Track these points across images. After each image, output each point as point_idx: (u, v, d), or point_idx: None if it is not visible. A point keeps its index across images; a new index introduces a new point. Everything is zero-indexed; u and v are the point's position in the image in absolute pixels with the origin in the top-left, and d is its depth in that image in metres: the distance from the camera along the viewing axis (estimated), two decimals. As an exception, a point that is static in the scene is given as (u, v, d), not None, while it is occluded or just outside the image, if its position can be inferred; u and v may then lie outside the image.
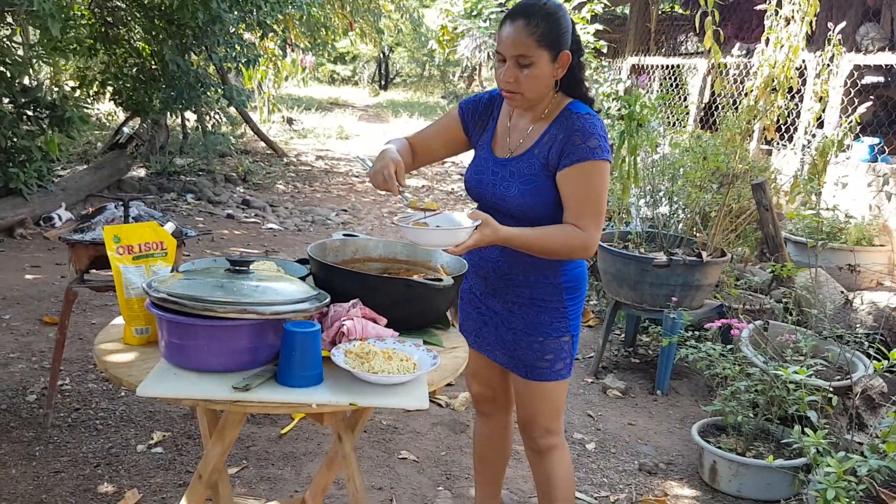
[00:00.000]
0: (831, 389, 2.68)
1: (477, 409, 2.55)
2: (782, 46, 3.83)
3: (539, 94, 2.02)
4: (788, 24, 3.94)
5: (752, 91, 4.11)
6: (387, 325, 1.99)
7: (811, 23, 3.81)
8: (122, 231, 1.88)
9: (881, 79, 6.16)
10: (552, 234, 1.97)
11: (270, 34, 9.33)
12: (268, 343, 1.74)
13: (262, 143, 12.09)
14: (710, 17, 4.02)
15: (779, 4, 4.06)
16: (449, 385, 4.03)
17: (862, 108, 4.51)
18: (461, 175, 10.80)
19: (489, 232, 1.88)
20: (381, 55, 27.97)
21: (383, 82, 29.41)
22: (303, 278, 2.19)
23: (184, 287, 1.73)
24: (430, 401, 3.81)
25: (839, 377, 3.27)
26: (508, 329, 2.19)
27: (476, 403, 2.53)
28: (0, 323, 4.37)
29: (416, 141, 2.30)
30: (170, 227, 2.36)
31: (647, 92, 8.45)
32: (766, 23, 4.03)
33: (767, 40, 4.12)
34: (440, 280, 2.00)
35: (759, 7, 4.18)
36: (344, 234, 2.42)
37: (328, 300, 1.87)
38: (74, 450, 3.06)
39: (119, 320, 1.97)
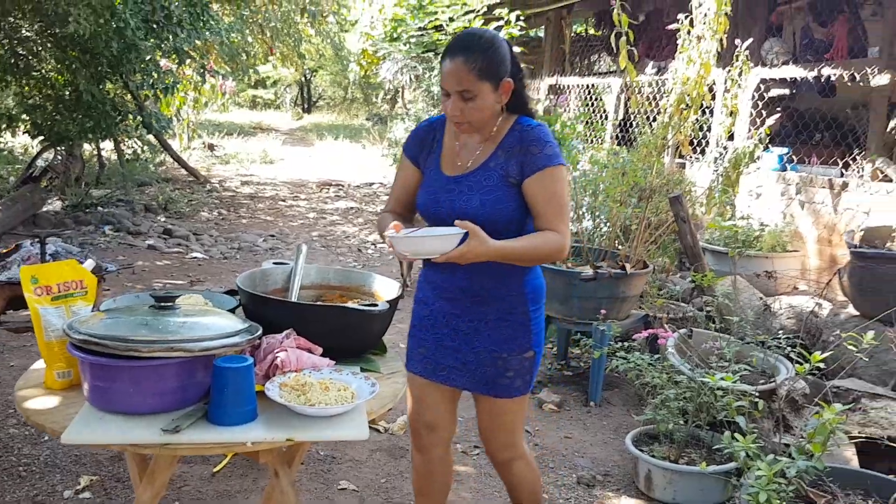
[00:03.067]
0: (756, 394, 2.78)
1: (413, 442, 2.49)
2: (694, 64, 3.98)
3: (485, 120, 2.09)
4: (700, 41, 4.11)
5: (666, 108, 4.26)
6: (324, 354, 1.98)
7: (720, 40, 3.98)
8: (39, 271, 1.81)
9: (786, 91, 6.47)
10: (536, 241, 2.02)
11: (188, 60, 9.16)
12: (197, 381, 1.70)
13: (184, 171, 11.84)
14: (624, 38, 4.15)
15: (691, 23, 4.22)
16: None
17: (771, 120, 4.73)
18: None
19: (477, 244, 1.88)
20: (303, 79, 27.81)
21: (306, 105, 29.23)
22: (232, 310, 2.15)
23: (106, 327, 1.67)
24: (369, 427, 3.78)
25: (763, 381, 3.39)
26: (471, 349, 2.20)
27: (414, 435, 2.48)
28: None
29: (394, 206, 2.32)
30: (89, 264, 2.27)
31: (566, 111, 8.66)
32: (679, 41, 4.19)
33: (680, 58, 4.28)
34: (375, 305, 2.00)
35: (670, 27, 4.34)
36: (274, 263, 2.39)
37: (259, 332, 1.84)
38: (-6, 501, 2.91)
39: (40, 363, 1.89)
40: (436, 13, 11.09)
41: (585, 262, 4.40)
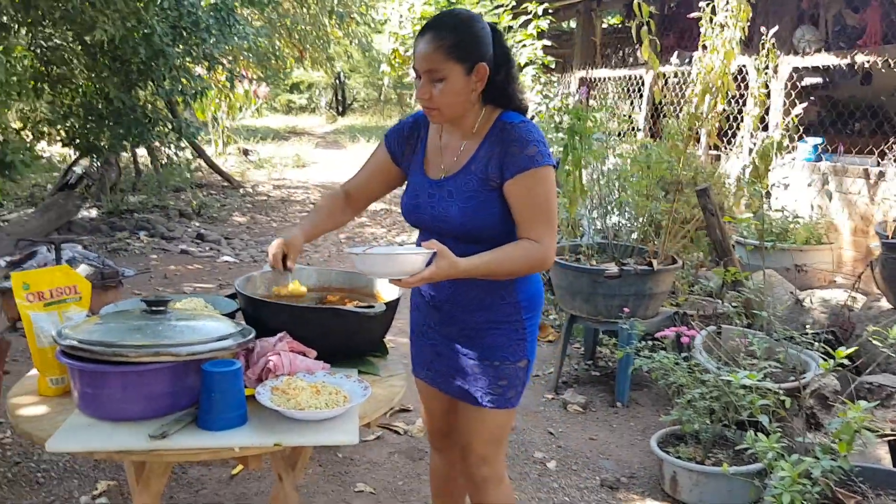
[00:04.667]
0: (781, 392, 2.66)
1: (431, 443, 2.46)
2: (717, 52, 3.86)
3: (457, 108, 1.93)
4: (723, 30, 3.98)
5: (692, 98, 4.14)
6: (321, 356, 1.93)
7: (744, 28, 3.85)
8: (30, 277, 1.79)
9: (820, 80, 6.27)
10: (510, 254, 1.88)
11: (217, 66, 9.23)
12: (187, 386, 1.67)
13: (218, 176, 11.96)
14: (645, 28, 4.04)
15: (713, 12, 4.10)
16: (406, 411, 3.95)
17: (798, 109, 4.57)
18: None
19: (446, 265, 1.77)
20: (337, 82, 27.96)
21: (340, 108, 29.39)
22: (233, 313, 2.12)
23: (97, 332, 1.65)
24: (387, 428, 3.74)
25: (793, 378, 3.26)
26: (463, 357, 2.09)
27: (430, 437, 2.44)
28: (-62, 377, 4.20)
29: (352, 187, 2.22)
30: (83, 269, 2.28)
31: (601, 103, 8.52)
32: (702, 30, 4.07)
33: (704, 47, 4.15)
34: (371, 307, 1.94)
35: (691, 16, 4.22)
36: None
37: (252, 336, 1.80)
38: (13, 506, 2.93)
39: (35, 370, 1.88)
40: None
41: (611, 260, 4.30)
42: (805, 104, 4.71)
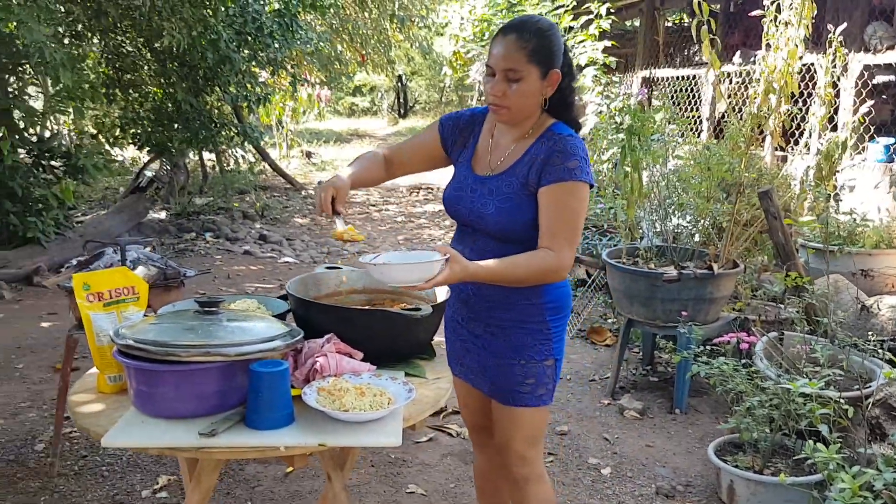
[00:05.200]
0: (843, 401, 2.56)
1: (471, 439, 2.48)
2: (780, 51, 3.74)
3: (525, 110, 2.00)
4: (787, 27, 3.86)
5: (755, 98, 4.03)
6: (368, 358, 1.95)
7: (808, 25, 3.73)
8: (91, 278, 1.86)
9: (893, 77, 6.01)
10: (522, 263, 1.91)
11: (281, 71, 9.43)
12: (237, 385, 1.70)
13: (281, 178, 12.20)
14: (705, 27, 3.95)
15: (777, 9, 3.98)
16: (459, 413, 3.96)
17: (864, 108, 4.39)
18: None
19: (458, 269, 1.81)
20: (399, 84, 28.18)
21: (402, 111, 29.60)
22: (284, 314, 2.16)
23: (151, 332, 1.70)
24: (440, 430, 3.75)
25: (857, 387, 3.14)
26: (490, 353, 2.12)
27: (470, 434, 2.47)
28: (13, 372, 4.40)
29: (394, 154, 2.29)
30: (141, 271, 2.34)
31: (664, 103, 8.36)
32: (764, 28, 3.95)
33: (768, 46, 4.03)
34: (418, 309, 1.95)
35: (753, 14, 4.11)
36: (327, 267, 2.39)
37: (300, 337, 1.83)
38: (79, 499, 3.04)
39: (96, 368, 1.95)
40: (525, 11, 10.97)
41: (670, 263, 4.22)
42: (871, 103, 4.52)
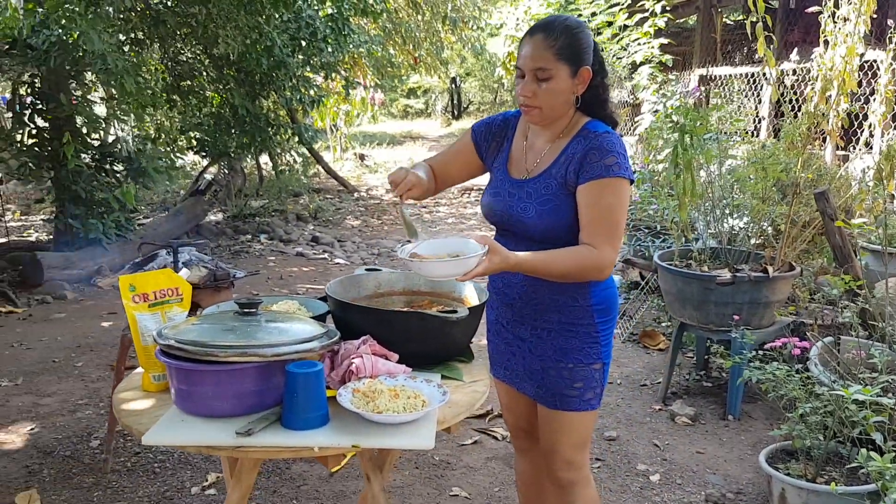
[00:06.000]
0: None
1: (514, 443, 2.46)
2: (839, 48, 3.62)
3: (557, 109, 1.98)
4: (846, 23, 3.74)
5: (812, 96, 3.90)
6: (406, 360, 1.95)
7: (866, 21, 3.60)
8: (137, 280, 1.91)
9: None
10: (563, 255, 1.89)
11: (335, 75, 9.55)
12: (274, 385, 1.72)
13: (334, 181, 12.35)
14: (760, 24, 3.85)
15: (836, 5, 3.85)
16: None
17: (922, 106, 4.22)
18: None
19: (498, 259, 1.80)
20: (452, 86, 28.23)
21: (456, 112, 29.66)
22: (323, 316, 2.18)
23: (192, 332, 1.73)
24: (486, 433, 3.74)
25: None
26: (537, 357, 2.10)
27: (513, 438, 2.45)
28: (73, 370, 4.55)
29: (436, 166, 2.28)
30: (184, 273, 2.39)
31: (724, 101, 8.18)
32: (822, 24, 3.83)
33: (826, 43, 3.91)
34: (455, 311, 1.95)
35: (810, 10, 3.99)
36: (366, 269, 2.40)
37: (337, 338, 1.84)
38: (131, 494, 3.13)
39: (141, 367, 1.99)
40: (579, 10, 10.87)
41: (724, 265, 4.12)
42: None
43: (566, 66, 1.91)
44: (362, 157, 15.39)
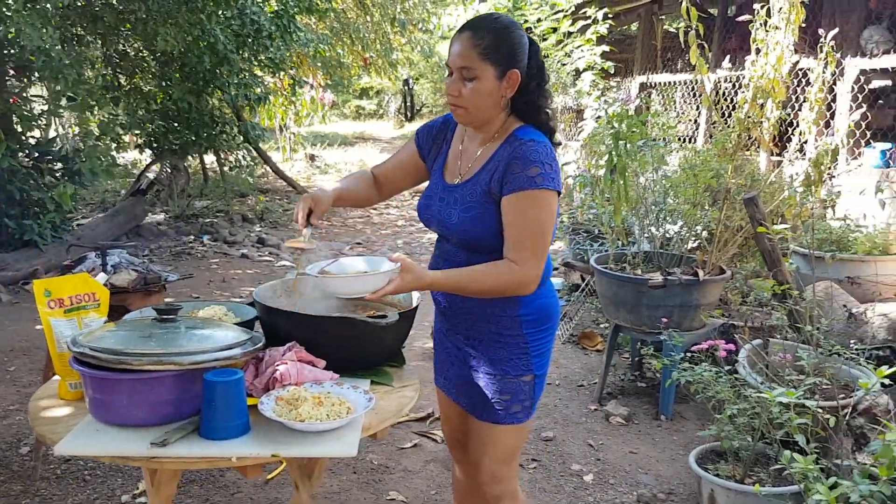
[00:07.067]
0: (820, 410, 2.54)
1: (451, 454, 2.44)
2: (768, 55, 3.72)
3: (484, 111, 1.92)
4: (775, 31, 3.84)
5: (744, 103, 4.00)
6: (336, 366, 1.94)
7: (794, 30, 3.70)
8: (52, 284, 1.86)
9: (889, 82, 5.97)
10: (482, 274, 1.85)
11: (282, 73, 9.45)
12: (192, 394, 1.69)
13: (283, 182, 12.21)
14: (693, 32, 3.94)
15: (768, 14, 3.95)
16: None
17: (856, 116, 4.36)
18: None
19: (410, 278, 1.79)
20: (405, 87, 28.20)
21: (409, 114, 29.63)
22: (251, 322, 2.15)
23: (108, 339, 1.70)
24: (426, 436, 3.74)
25: (843, 396, 3.12)
26: (468, 367, 2.08)
27: (449, 448, 2.42)
28: (4, 375, 4.42)
29: (380, 173, 2.26)
30: (101, 277, 2.34)
31: (663, 107, 8.34)
32: (753, 33, 3.93)
33: (757, 51, 4.01)
34: (384, 316, 1.94)
35: (740, 19, 4.09)
36: (298, 274, 2.38)
37: (260, 345, 1.82)
38: (60, 502, 3.04)
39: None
40: (525, 16, 10.96)
41: (657, 269, 4.20)
42: (865, 108, 4.48)
43: (491, 67, 1.86)
44: (312, 158, 15.25)
